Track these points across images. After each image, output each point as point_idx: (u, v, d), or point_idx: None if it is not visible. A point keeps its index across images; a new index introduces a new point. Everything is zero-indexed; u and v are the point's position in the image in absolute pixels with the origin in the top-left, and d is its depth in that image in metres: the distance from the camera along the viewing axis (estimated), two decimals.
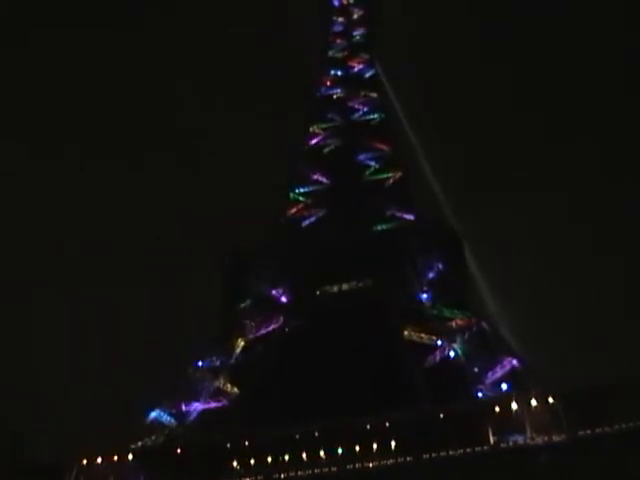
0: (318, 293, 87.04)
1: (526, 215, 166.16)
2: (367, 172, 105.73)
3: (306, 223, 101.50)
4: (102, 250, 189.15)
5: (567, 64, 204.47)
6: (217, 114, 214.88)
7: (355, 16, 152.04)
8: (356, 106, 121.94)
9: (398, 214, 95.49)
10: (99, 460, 62.84)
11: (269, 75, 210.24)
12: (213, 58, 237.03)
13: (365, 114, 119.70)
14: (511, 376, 65.45)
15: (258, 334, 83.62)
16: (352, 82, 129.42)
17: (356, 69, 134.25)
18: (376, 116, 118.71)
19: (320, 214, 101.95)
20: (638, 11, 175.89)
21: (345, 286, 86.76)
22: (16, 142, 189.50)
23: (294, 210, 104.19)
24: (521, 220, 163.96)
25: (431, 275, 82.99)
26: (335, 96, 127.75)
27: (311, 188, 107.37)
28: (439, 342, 74.20)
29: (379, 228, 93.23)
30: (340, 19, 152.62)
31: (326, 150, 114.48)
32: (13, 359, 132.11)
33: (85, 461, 63.11)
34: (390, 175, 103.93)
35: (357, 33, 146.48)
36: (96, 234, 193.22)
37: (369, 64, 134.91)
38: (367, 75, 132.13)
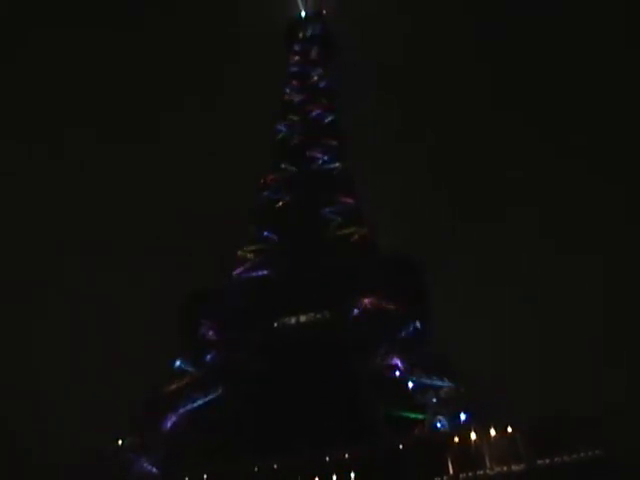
0: (276, 325, 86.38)
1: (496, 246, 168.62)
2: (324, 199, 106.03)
3: (265, 256, 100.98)
4: (101, 250, 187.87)
5: (562, 72, 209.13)
6: (217, 114, 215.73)
7: (314, 55, 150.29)
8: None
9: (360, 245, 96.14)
10: None
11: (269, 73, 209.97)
12: (213, 57, 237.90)
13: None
14: (470, 406, 65.59)
15: (215, 366, 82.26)
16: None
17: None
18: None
19: (279, 245, 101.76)
20: (632, 14, 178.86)
21: (303, 318, 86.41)
22: (16, 142, 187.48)
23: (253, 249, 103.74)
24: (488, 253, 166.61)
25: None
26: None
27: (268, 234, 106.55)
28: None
29: (339, 261, 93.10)
30: (297, 58, 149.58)
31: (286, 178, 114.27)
32: (11, 359, 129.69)
33: None
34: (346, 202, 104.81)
35: (316, 74, 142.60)
36: (96, 234, 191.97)
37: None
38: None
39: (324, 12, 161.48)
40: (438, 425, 65.07)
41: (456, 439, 57.63)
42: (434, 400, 68.11)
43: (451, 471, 55.99)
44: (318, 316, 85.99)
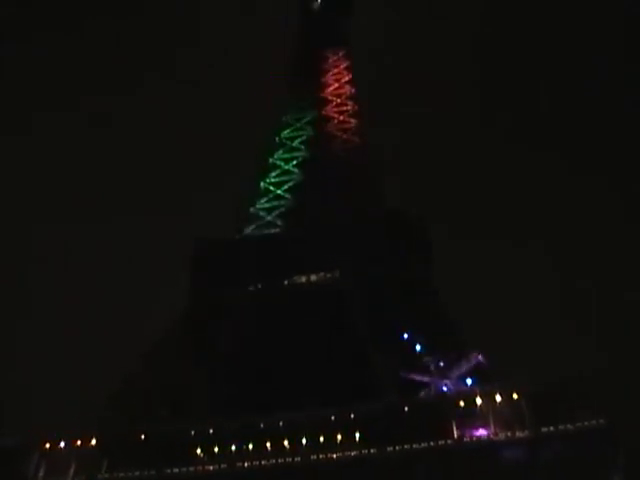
0: (286, 283, 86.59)
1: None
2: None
3: (276, 214, 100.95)
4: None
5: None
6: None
7: None
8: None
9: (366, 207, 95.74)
10: (62, 444, 61.37)
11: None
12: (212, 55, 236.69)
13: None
14: (476, 371, 65.66)
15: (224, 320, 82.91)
16: None
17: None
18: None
19: (290, 206, 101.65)
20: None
21: (313, 277, 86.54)
22: None
23: (264, 201, 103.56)
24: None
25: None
26: None
27: (281, 179, 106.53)
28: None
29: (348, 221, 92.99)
30: None
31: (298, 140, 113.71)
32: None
33: (48, 445, 61.57)
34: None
35: None
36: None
37: None
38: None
39: None
40: (444, 388, 65.26)
41: (462, 403, 57.88)
42: (441, 363, 68.18)
43: (455, 435, 56.44)
44: (328, 275, 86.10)
